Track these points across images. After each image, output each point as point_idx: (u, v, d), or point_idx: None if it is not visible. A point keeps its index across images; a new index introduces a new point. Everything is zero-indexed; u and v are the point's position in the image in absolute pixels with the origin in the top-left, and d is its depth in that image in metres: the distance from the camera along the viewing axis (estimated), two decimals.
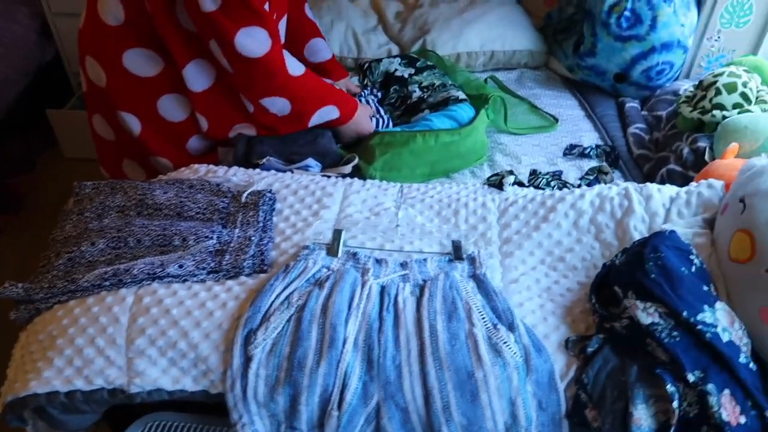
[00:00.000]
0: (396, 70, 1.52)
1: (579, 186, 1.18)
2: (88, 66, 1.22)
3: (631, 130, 1.42)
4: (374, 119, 1.36)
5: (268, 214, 1.02)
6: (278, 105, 1.17)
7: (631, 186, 1.01)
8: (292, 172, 1.16)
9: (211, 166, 1.19)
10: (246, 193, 1.04)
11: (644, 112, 1.50)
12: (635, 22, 1.43)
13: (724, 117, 1.20)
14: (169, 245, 0.96)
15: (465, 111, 1.33)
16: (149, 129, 1.22)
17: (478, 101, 1.39)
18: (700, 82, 1.29)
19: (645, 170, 1.32)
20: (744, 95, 1.20)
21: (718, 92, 1.22)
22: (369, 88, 1.52)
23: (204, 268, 0.92)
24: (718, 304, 0.76)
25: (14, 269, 2.02)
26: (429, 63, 1.55)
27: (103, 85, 1.21)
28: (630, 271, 0.80)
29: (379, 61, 1.58)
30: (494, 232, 1.01)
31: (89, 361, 0.86)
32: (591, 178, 1.24)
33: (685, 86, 1.45)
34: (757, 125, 1.09)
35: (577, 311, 0.88)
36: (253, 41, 1.07)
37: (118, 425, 1.00)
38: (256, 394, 0.83)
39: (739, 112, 1.19)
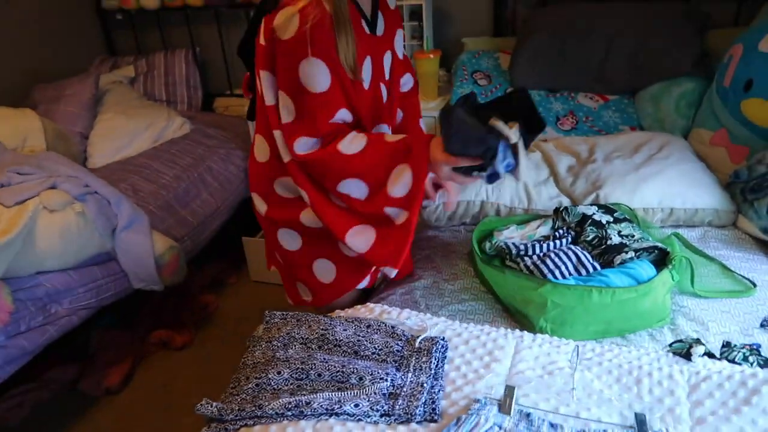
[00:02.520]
0: (594, 214, 1.53)
1: None
2: (255, 201, 1.43)
3: None
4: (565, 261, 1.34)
5: (440, 361, 1.04)
6: (352, 186, 1.22)
7: None
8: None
9: (385, 306, 1.26)
10: (420, 338, 1.08)
11: None
12: None
13: None
14: (347, 382, 1.01)
15: (644, 269, 1.28)
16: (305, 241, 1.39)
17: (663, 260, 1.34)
18: None
19: None
20: None
21: None
22: (563, 229, 1.53)
23: (377, 410, 0.95)
24: None
25: (194, 379, 2.23)
26: (626, 216, 1.53)
27: (263, 214, 1.41)
28: None
29: (575, 206, 1.59)
30: (684, 409, 0.92)
31: None
32: None
33: None
34: None
35: None
36: (305, 147, 1.20)
37: None
38: None
39: None
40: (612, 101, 2.25)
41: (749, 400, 0.89)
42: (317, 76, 1.15)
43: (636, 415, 0.91)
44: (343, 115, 1.22)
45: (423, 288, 1.48)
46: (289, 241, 1.41)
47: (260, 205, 1.41)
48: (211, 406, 1.04)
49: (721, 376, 0.95)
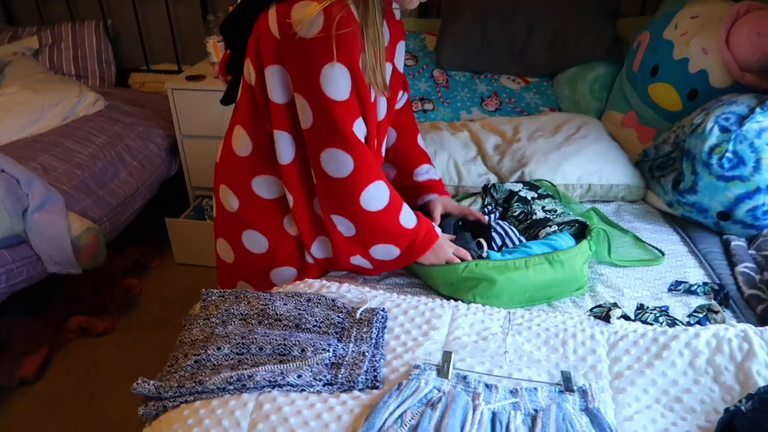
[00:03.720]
0: (520, 190, 1.59)
1: (689, 324, 1.16)
2: (221, 193, 1.37)
3: (740, 269, 1.40)
4: (492, 240, 1.42)
5: (380, 331, 1.07)
6: (345, 224, 1.24)
7: (750, 329, 0.99)
8: None
9: (324, 281, 1.27)
10: (360, 310, 1.10)
11: (752, 251, 1.48)
12: (738, 163, 1.46)
13: None
14: (289, 354, 1.02)
15: (564, 241, 1.36)
16: (275, 243, 1.34)
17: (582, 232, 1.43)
18: None
19: (758, 311, 1.28)
20: None
21: None
22: (492, 205, 1.59)
23: (320, 380, 0.97)
24: None
25: (118, 366, 2.15)
26: (548, 192, 1.62)
27: (234, 210, 1.35)
28: (760, 421, 0.78)
29: (502, 183, 1.65)
30: (604, 365, 1.01)
31: None
32: (700, 316, 1.22)
33: None
34: None
35: None
36: (335, 163, 1.17)
37: None
38: None
39: None
40: (533, 83, 2.35)
41: (660, 354, 0.99)
42: (340, 83, 1.10)
43: (562, 373, 0.98)
44: (360, 126, 1.19)
45: None
46: (254, 244, 1.34)
47: (230, 200, 1.34)
48: (148, 385, 1.02)
49: (636, 334, 1.04)
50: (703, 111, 1.62)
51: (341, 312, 1.11)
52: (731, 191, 1.48)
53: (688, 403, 0.93)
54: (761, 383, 0.90)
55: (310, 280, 1.28)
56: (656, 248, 1.51)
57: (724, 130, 1.50)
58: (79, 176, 2.31)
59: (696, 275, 1.41)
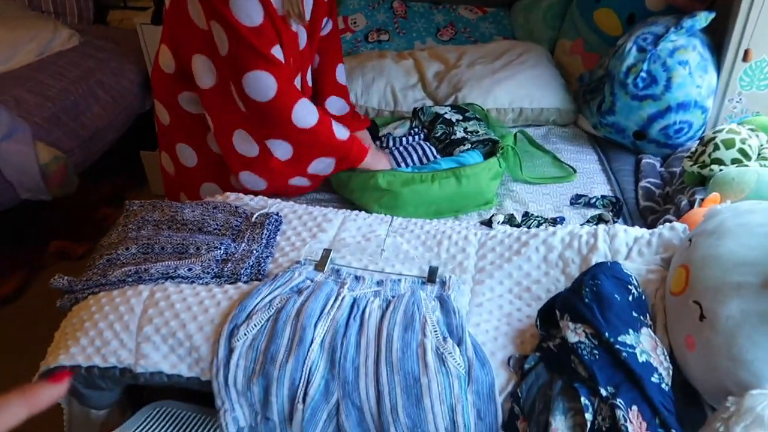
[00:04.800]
0: (445, 113, 1.66)
1: None
2: (156, 107, 1.45)
3: (642, 183, 1.46)
4: (409, 156, 1.50)
5: (272, 232, 1.17)
6: (281, 147, 1.30)
7: (602, 227, 1.06)
8: None
9: (240, 194, 1.36)
10: (257, 214, 1.19)
11: (662, 169, 1.53)
12: (650, 83, 1.49)
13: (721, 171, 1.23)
14: (186, 253, 1.13)
15: (473, 157, 1.43)
16: (202, 157, 1.42)
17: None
18: (701, 138, 1.32)
19: (649, 221, 1.35)
20: (742, 151, 1.23)
21: (716, 147, 1.25)
22: (418, 128, 1.66)
23: (209, 273, 1.07)
24: (645, 330, 0.80)
25: None
26: (477, 115, 1.67)
27: (167, 124, 1.43)
28: (569, 296, 0.86)
29: (431, 107, 1.71)
30: (471, 262, 1.09)
31: (107, 342, 1.02)
32: (591, 225, 1.29)
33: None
34: (743, 177, 1.12)
35: (528, 335, 0.94)
36: (259, 85, 1.21)
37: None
38: (236, 383, 0.95)
39: (737, 168, 1.22)
40: (490, 13, 2.36)
41: (519, 251, 1.07)
42: (250, 9, 1.15)
43: (430, 267, 1.07)
44: (277, 52, 1.22)
45: None
46: (186, 157, 1.43)
47: (162, 115, 1.41)
48: (63, 280, 1.13)
49: (504, 234, 1.12)
50: (628, 33, 1.64)
51: (240, 216, 1.21)
52: (644, 110, 1.52)
53: (536, 292, 1.02)
54: None
55: (228, 193, 1.37)
56: (570, 167, 1.57)
57: (641, 50, 1.53)
58: (51, 108, 2.40)
59: (601, 190, 1.48)
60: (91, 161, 2.50)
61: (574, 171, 1.55)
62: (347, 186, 1.44)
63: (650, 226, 1.34)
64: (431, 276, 1.05)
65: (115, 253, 1.16)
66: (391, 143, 1.60)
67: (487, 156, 1.48)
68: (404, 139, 1.61)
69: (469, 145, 1.50)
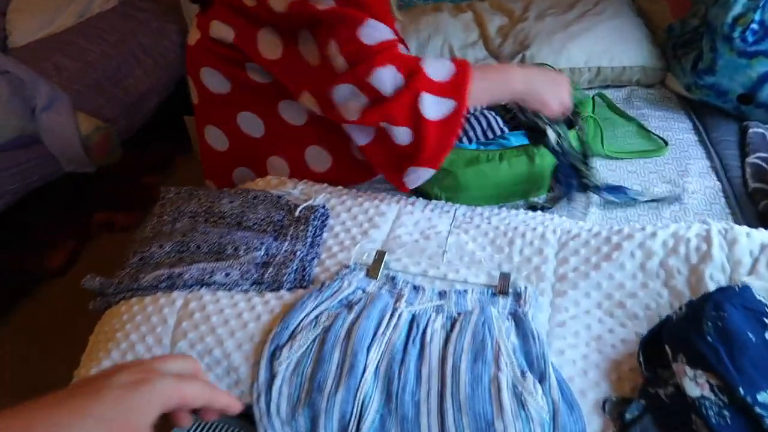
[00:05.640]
0: None
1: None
2: (204, 75, 1.25)
3: (751, 159, 1.23)
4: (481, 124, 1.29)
5: (318, 229, 1.03)
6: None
7: (715, 227, 0.87)
8: None
9: (283, 178, 1.22)
10: (300, 207, 1.05)
11: None
12: (763, 36, 1.24)
13: None
14: (223, 253, 1.01)
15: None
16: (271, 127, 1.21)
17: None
18: None
19: (760, 207, 1.14)
20: None
21: None
22: None
23: (248, 279, 0.95)
24: None
25: None
26: None
27: (224, 92, 1.20)
28: (685, 330, 0.69)
29: None
30: (550, 267, 0.93)
31: (139, 356, 0.93)
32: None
33: None
34: None
35: (626, 368, 0.77)
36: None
37: None
38: (279, 411, 0.84)
39: None
40: None
41: (610, 255, 0.89)
42: None
43: (501, 273, 0.91)
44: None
45: None
46: (251, 127, 1.22)
47: (215, 83, 1.20)
48: (95, 281, 1.04)
49: (590, 233, 0.94)
50: None
51: (283, 209, 1.07)
52: (754, 70, 1.28)
53: (631, 308, 0.85)
54: (712, 288, 0.80)
55: (269, 177, 1.23)
56: (660, 138, 1.35)
57: None
58: (92, 75, 2.32)
59: (699, 167, 1.26)
60: (134, 128, 2.42)
61: (665, 143, 1.33)
62: None
63: (763, 214, 1.13)
64: (503, 285, 0.90)
65: (149, 251, 1.05)
66: None
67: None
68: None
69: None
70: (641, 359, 0.73)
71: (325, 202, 1.09)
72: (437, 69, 1.00)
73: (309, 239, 1.01)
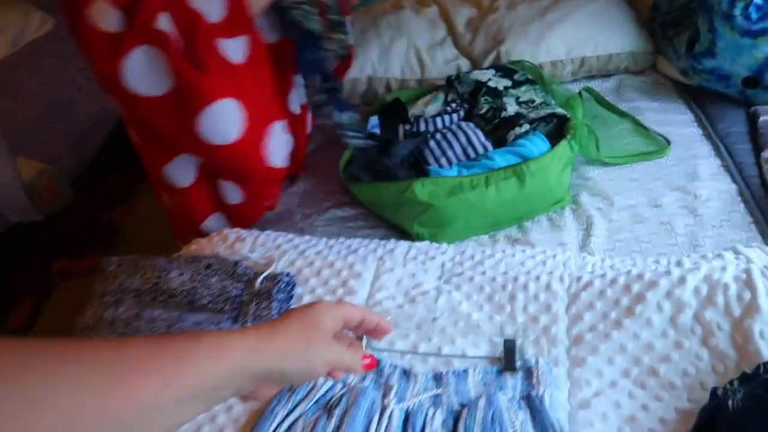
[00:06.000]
0: (489, 80, 1.30)
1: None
2: None
3: (767, 154, 1.09)
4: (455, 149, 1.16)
5: (284, 303, 0.87)
6: None
7: (757, 268, 0.72)
8: None
9: (241, 231, 1.06)
10: (261, 277, 0.89)
11: None
12: None
13: None
14: None
15: (536, 145, 1.08)
16: None
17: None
18: None
19: None
20: None
21: None
22: (456, 102, 1.31)
23: None
24: None
25: None
26: (529, 77, 1.31)
27: None
28: (751, 426, 0.55)
29: (468, 72, 1.36)
30: (561, 326, 0.78)
31: None
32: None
33: None
34: None
35: None
36: None
37: None
38: None
39: None
40: None
41: (633, 309, 0.75)
42: None
43: (505, 342, 0.77)
44: None
45: (301, 194, 1.28)
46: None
47: None
48: None
49: (604, 281, 0.79)
50: None
51: (240, 281, 0.91)
52: (759, 50, 1.13)
53: (665, 376, 0.70)
54: (764, 349, 0.66)
55: (227, 231, 1.07)
56: (661, 135, 1.21)
57: None
58: (30, 112, 2.12)
59: (709, 167, 1.12)
60: (85, 164, 2.23)
61: (668, 142, 1.19)
62: (377, 200, 1.13)
63: None
64: (509, 358, 0.75)
65: None
66: (423, 127, 1.26)
67: (552, 137, 1.12)
68: (440, 120, 1.26)
69: (528, 126, 1.15)
70: None
71: (289, 266, 0.93)
72: None
73: (275, 317, 0.85)
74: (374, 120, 1.29)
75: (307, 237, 1.03)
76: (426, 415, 0.70)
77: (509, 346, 0.76)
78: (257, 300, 0.88)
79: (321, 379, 0.75)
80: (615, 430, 0.67)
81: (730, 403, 0.59)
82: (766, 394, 0.56)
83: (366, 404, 0.71)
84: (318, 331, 0.53)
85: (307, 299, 0.88)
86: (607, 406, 0.69)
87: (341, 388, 0.74)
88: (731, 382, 0.63)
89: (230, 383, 0.46)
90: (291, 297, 0.88)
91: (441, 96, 1.34)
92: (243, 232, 1.06)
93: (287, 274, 0.90)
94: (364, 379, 0.75)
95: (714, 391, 0.65)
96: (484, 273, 0.87)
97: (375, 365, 0.61)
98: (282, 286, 0.88)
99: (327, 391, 0.74)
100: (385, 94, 1.45)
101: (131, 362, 0.41)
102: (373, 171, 1.15)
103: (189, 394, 0.43)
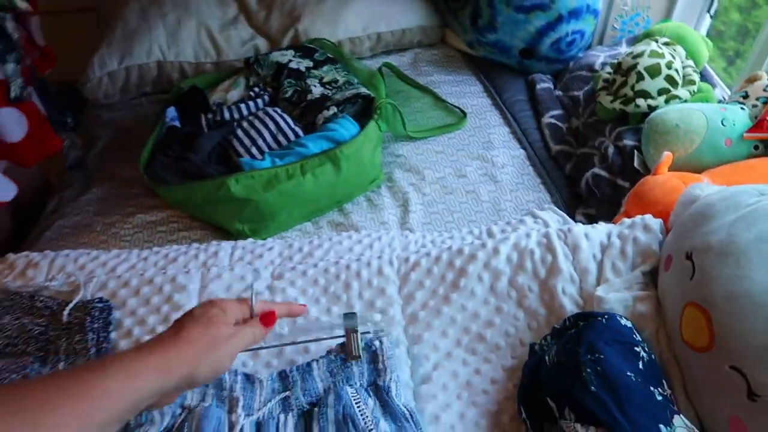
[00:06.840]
0: (290, 61, 1.25)
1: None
2: None
3: (546, 120, 1.23)
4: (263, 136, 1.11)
5: (101, 332, 0.78)
6: None
7: (553, 232, 0.82)
8: None
9: (32, 255, 0.92)
10: (67, 309, 0.79)
11: (558, 92, 1.31)
12: None
13: (650, 106, 1.03)
14: None
15: (347, 129, 1.09)
16: None
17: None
18: (619, 64, 1.10)
19: (567, 170, 1.15)
20: (670, 78, 1.03)
21: (640, 77, 1.04)
22: (259, 86, 1.25)
23: None
24: (677, 420, 0.60)
25: None
26: (329, 55, 1.29)
27: None
28: (564, 380, 0.63)
29: (267, 54, 1.30)
30: (397, 308, 0.81)
31: None
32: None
33: (601, 58, 1.27)
34: (690, 123, 0.92)
35: (506, 419, 0.70)
36: None
37: None
38: None
39: (666, 100, 1.02)
40: None
41: (457, 283, 0.80)
42: None
43: (346, 330, 0.77)
44: None
45: (99, 200, 1.15)
46: None
47: None
48: None
49: (429, 259, 0.84)
50: None
51: (43, 316, 0.79)
52: (532, 24, 1.26)
53: (491, 340, 0.77)
54: (567, 304, 0.76)
55: (12, 257, 0.92)
56: (457, 107, 1.30)
57: None
58: None
59: (500, 135, 1.24)
60: None
61: (464, 113, 1.28)
62: (190, 200, 1.05)
63: (570, 176, 1.14)
64: (352, 346, 0.76)
65: None
66: (227, 115, 1.19)
67: (360, 118, 1.14)
68: (244, 106, 1.21)
69: (335, 109, 1.15)
70: (524, 416, 0.66)
71: (100, 290, 0.83)
72: None
73: (93, 350, 0.76)
74: (172, 112, 1.19)
75: (114, 251, 0.92)
76: (278, 421, 0.69)
77: (351, 331, 0.76)
78: (67, 335, 0.77)
79: (157, 414, 0.69)
80: (455, 398, 0.73)
81: (546, 359, 0.67)
82: (575, 347, 0.64)
83: (211, 427, 0.67)
84: (219, 329, 0.54)
85: (129, 323, 0.80)
86: (446, 377, 0.75)
87: (181, 413, 0.69)
88: (545, 338, 0.72)
89: (142, 405, 0.49)
90: (109, 324, 0.79)
91: (242, 80, 1.28)
92: (34, 255, 0.92)
93: (99, 300, 0.80)
94: (204, 397, 0.71)
95: (532, 346, 0.73)
96: (315, 265, 0.86)
97: (275, 317, 0.62)
98: (96, 314, 0.78)
99: (166, 425, 0.68)
100: (181, 80, 1.35)
101: (39, 402, 0.42)
102: (179, 170, 1.07)
103: (104, 423, 0.45)
